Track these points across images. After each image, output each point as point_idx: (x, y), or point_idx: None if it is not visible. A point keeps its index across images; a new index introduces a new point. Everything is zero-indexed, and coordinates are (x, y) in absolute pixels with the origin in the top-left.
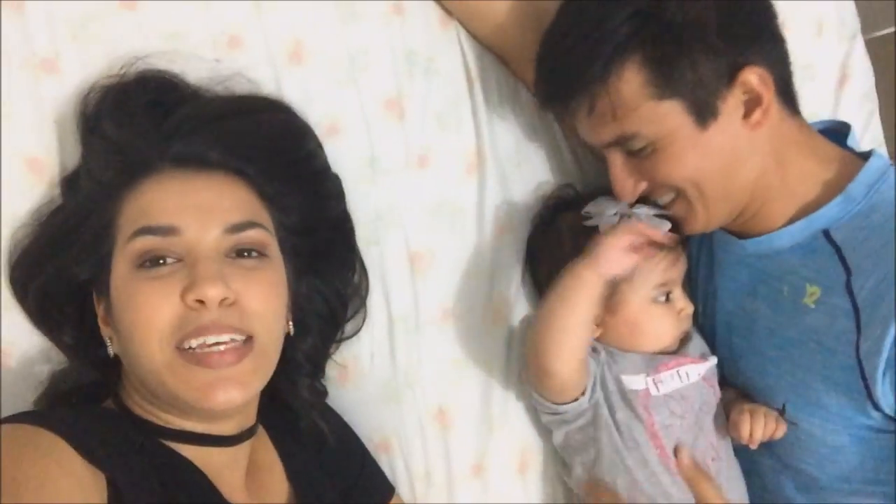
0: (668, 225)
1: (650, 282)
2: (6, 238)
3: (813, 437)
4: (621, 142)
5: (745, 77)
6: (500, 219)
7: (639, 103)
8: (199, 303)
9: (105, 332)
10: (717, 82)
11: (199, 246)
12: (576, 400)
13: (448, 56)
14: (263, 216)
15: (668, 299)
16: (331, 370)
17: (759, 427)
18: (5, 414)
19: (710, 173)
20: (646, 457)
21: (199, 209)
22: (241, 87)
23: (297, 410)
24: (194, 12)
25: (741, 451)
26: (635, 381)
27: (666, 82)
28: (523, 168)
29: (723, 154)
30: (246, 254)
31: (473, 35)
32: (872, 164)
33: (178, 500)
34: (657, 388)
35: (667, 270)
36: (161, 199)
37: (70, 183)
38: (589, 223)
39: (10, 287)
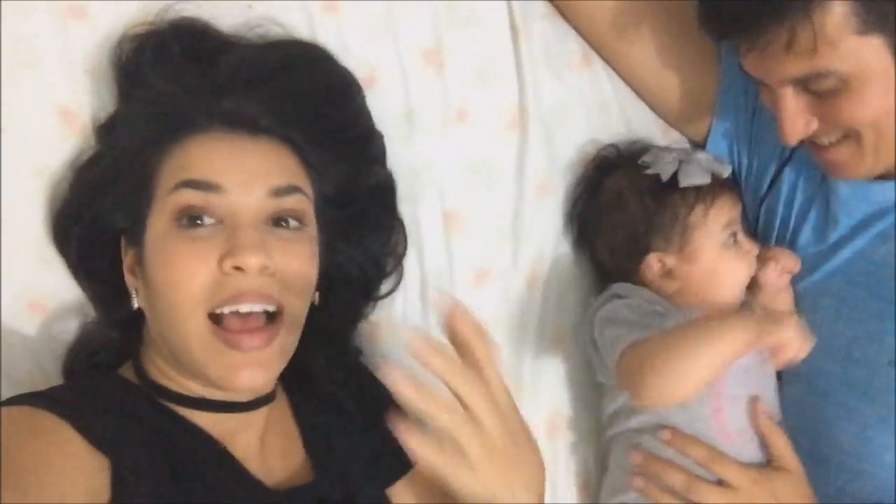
0: (730, 168)
1: (719, 224)
2: (46, 189)
3: None
4: (810, 79)
5: None
6: (540, 178)
7: (841, 38)
8: (236, 269)
9: (131, 282)
10: None
11: (241, 209)
12: None
13: (491, 4)
14: (306, 183)
15: (735, 241)
16: (362, 327)
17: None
18: (39, 369)
19: (892, 117)
20: (705, 433)
21: (244, 170)
22: (274, 35)
23: (317, 377)
24: None
25: (816, 407)
26: None
27: (871, 17)
28: (567, 126)
29: None
30: (284, 223)
31: None
32: None
33: (187, 472)
34: None
35: (730, 210)
36: (206, 156)
37: (106, 131)
38: (649, 171)
39: (52, 236)
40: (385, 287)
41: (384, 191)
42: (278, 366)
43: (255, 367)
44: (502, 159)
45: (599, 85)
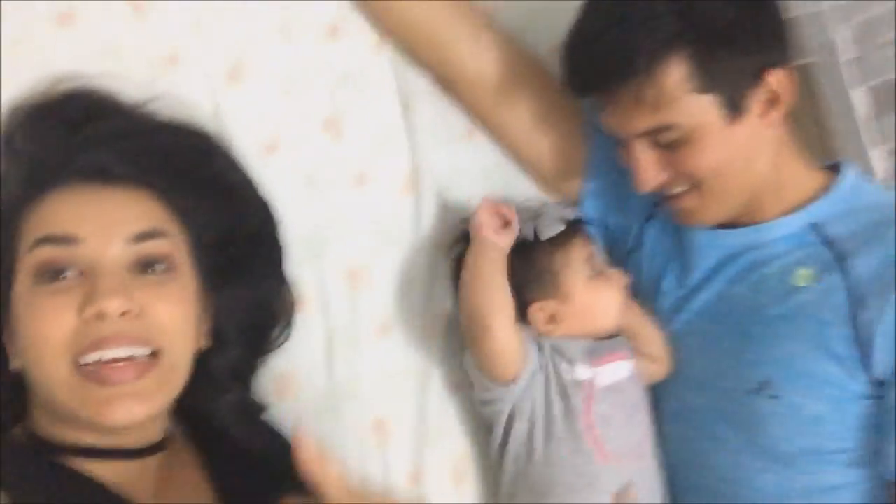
0: (574, 211)
1: (580, 261)
2: None
3: (793, 407)
4: (656, 132)
5: (771, 77)
6: (435, 237)
7: (680, 95)
8: (97, 317)
9: (9, 348)
10: (748, 80)
11: (102, 258)
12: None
13: (382, 79)
14: (171, 227)
15: (599, 272)
16: (269, 383)
17: None
18: None
19: (731, 166)
20: (579, 448)
21: (101, 219)
22: (175, 106)
23: (217, 426)
24: (130, 30)
25: (692, 441)
26: (581, 371)
27: (707, 77)
28: (456, 189)
29: (743, 149)
30: (151, 269)
31: (410, 55)
32: (849, 171)
33: None
34: (601, 378)
35: (585, 246)
36: (62, 210)
37: None
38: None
39: None
40: (278, 340)
41: (263, 240)
42: (158, 400)
43: (130, 399)
44: (400, 219)
45: (483, 155)
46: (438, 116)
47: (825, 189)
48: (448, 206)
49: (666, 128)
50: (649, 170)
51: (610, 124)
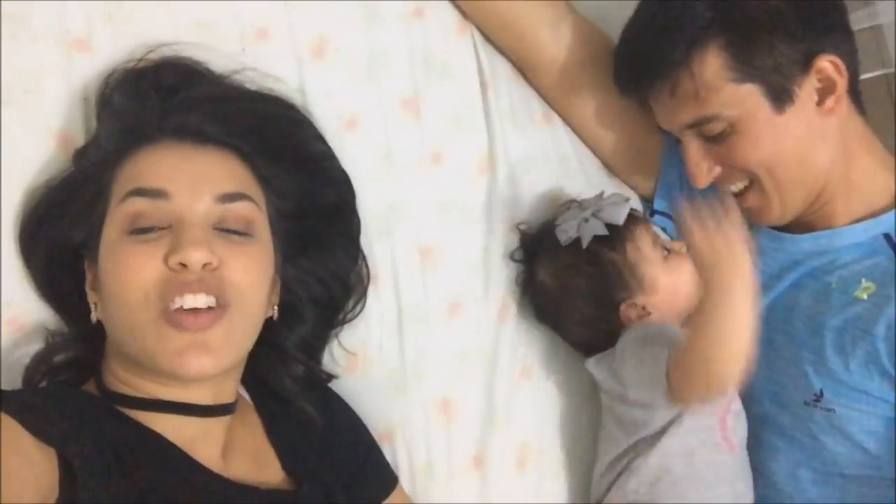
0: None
1: (649, 246)
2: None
3: (848, 421)
4: (700, 123)
5: (821, 64)
6: (508, 218)
7: (720, 85)
8: (181, 266)
9: (92, 297)
10: (793, 68)
11: (188, 213)
12: None
13: (463, 60)
14: (256, 193)
15: (669, 251)
16: (340, 357)
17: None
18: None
19: (785, 158)
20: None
21: (191, 176)
22: (262, 80)
23: (284, 397)
24: (224, 4)
25: (753, 448)
26: None
27: (746, 66)
28: (532, 173)
29: (797, 139)
30: (233, 230)
31: (489, 38)
32: None
33: (142, 469)
34: None
35: (649, 230)
36: (154, 164)
37: (81, 154)
38: (570, 239)
39: (20, 253)
40: (350, 314)
41: (342, 213)
42: (226, 354)
43: (202, 351)
44: (473, 200)
45: (559, 140)
46: (517, 100)
47: None
48: (522, 189)
49: (709, 119)
50: (701, 164)
51: (660, 120)
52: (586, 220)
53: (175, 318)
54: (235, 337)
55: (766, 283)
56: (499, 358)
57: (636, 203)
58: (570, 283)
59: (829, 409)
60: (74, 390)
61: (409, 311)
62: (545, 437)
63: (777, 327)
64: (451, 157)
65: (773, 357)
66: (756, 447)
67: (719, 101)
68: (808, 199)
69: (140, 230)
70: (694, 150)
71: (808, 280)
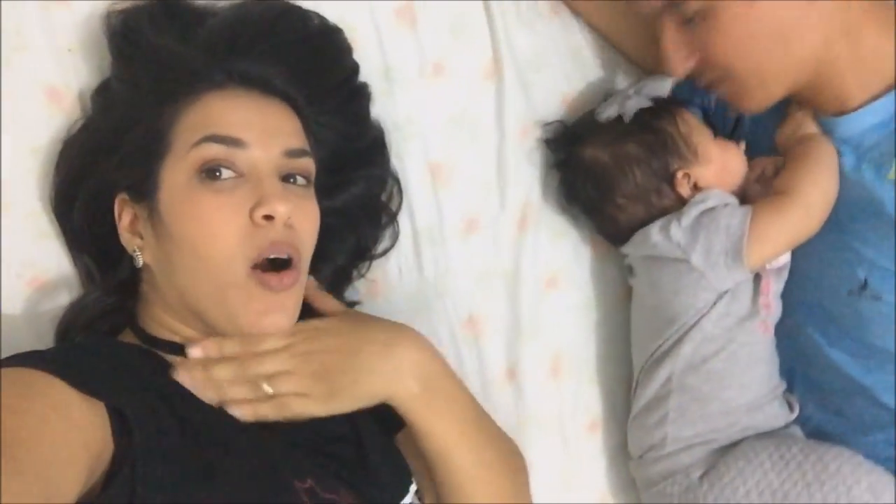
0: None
1: (697, 123)
2: (41, 165)
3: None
4: (673, 2)
5: None
6: (521, 124)
7: None
8: (266, 219)
9: (131, 241)
10: None
11: (261, 164)
12: None
13: None
14: (308, 146)
15: (716, 133)
16: (360, 285)
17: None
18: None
19: (761, 46)
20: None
21: (265, 128)
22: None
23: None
24: None
25: (808, 334)
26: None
27: None
28: (543, 72)
29: (775, 26)
30: (292, 180)
31: None
32: None
33: (196, 416)
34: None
35: (692, 113)
36: (229, 112)
37: (101, 97)
38: (624, 113)
39: (55, 204)
40: (381, 246)
41: (375, 147)
42: (294, 311)
43: (279, 310)
44: (481, 109)
45: (571, 32)
46: None
47: None
48: (533, 91)
49: None
50: (677, 51)
51: (635, 5)
52: (629, 98)
53: (263, 279)
54: (301, 291)
55: None
56: (521, 271)
57: None
58: (625, 152)
59: (876, 298)
60: (112, 340)
61: (424, 232)
62: (578, 344)
63: None
64: (454, 65)
65: (815, 247)
66: (812, 333)
67: None
68: (795, 85)
69: (214, 176)
70: (670, 34)
71: (843, 168)
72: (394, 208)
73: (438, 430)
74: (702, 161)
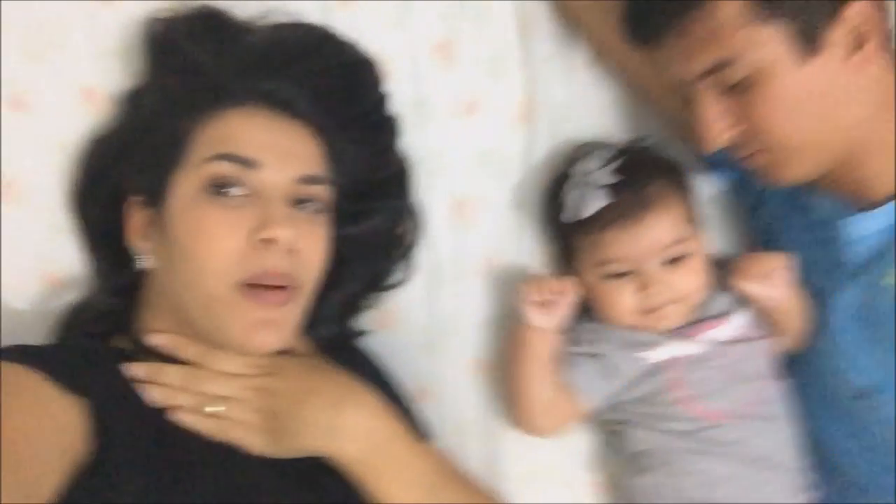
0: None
1: (591, 259)
2: (64, 162)
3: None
4: (718, 69)
5: (852, 11)
6: (547, 170)
7: (740, 24)
8: (266, 242)
9: (140, 245)
10: (822, 12)
11: (274, 187)
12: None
13: (500, 2)
14: (328, 174)
15: (623, 276)
16: (372, 313)
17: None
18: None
19: (808, 114)
20: (679, 415)
21: (281, 151)
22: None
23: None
24: None
25: (829, 429)
26: (663, 352)
27: (771, 4)
28: (575, 121)
29: (822, 93)
30: (304, 207)
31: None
32: None
33: (168, 430)
34: (689, 349)
35: (607, 249)
36: (247, 131)
37: (132, 100)
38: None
39: (74, 201)
40: (394, 279)
41: (399, 179)
42: (290, 331)
43: (271, 327)
44: (511, 150)
45: (604, 87)
46: (557, 44)
47: None
48: (564, 139)
49: (727, 63)
50: (718, 121)
51: (673, 72)
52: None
53: (253, 293)
54: (298, 314)
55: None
56: None
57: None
58: None
59: (874, 406)
60: (99, 344)
61: (442, 267)
62: None
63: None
64: (487, 104)
65: (812, 356)
66: (831, 428)
67: (739, 43)
68: (829, 161)
69: (222, 192)
70: (709, 104)
71: (851, 269)
72: (411, 242)
73: (384, 494)
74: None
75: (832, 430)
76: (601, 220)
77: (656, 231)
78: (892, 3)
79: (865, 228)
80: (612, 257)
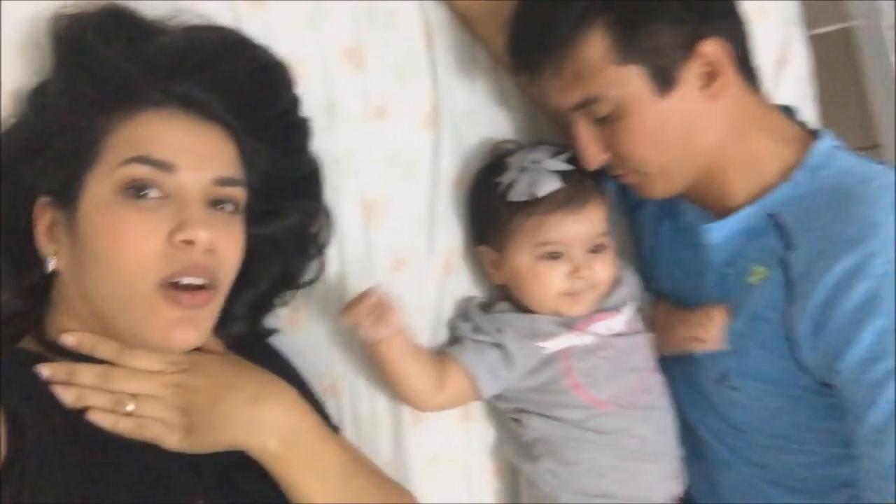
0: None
1: (531, 239)
2: None
3: (754, 399)
4: (587, 104)
5: (705, 48)
6: (454, 172)
7: (602, 66)
8: (186, 243)
9: (46, 245)
10: (677, 51)
11: (189, 188)
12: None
13: (408, 10)
14: (242, 174)
15: (557, 258)
16: (282, 312)
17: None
18: None
19: (667, 143)
20: (572, 403)
21: (197, 154)
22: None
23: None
24: None
25: (688, 413)
26: (553, 344)
27: (629, 47)
28: (477, 124)
29: (680, 123)
30: (221, 208)
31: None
32: (819, 148)
33: (85, 430)
34: (581, 339)
35: (551, 230)
36: (163, 134)
37: (38, 98)
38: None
39: None
40: (307, 276)
41: (310, 180)
42: (208, 329)
43: (189, 326)
44: (419, 153)
45: (507, 91)
46: (461, 49)
47: (794, 167)
48: (468, 143)
49: (594, 100)
50: (590, 147)
51: (551, 100)
52: (532, 172)
53: (172, 295)
54: (216, 312)
55: (675, 264)
56: (443, 311)
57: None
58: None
59: (734, 388)
60: (10, 347)
61: (353, 266)
62: None
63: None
64: (396, 109)
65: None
66: (689, 412)
67: (603, 82)
68: (693, 178)
69: (138, 195)
70: (583, 132)
71: (710, 275)
72: (323, 241)
73: (300, 486)
74: (506, 260)
75: (699, 413)
76: (552, 203)
77: (592, 219)
78: (755, 26)
79: (723, 233)
80: (553, 239)
